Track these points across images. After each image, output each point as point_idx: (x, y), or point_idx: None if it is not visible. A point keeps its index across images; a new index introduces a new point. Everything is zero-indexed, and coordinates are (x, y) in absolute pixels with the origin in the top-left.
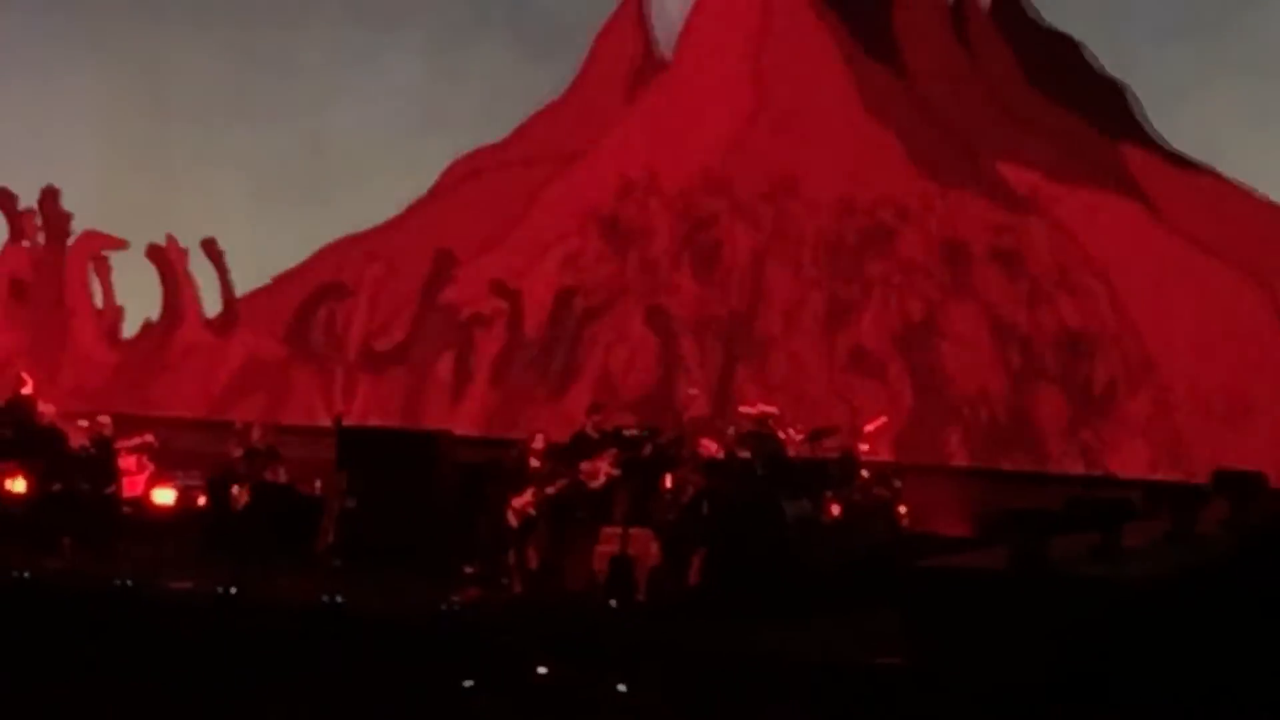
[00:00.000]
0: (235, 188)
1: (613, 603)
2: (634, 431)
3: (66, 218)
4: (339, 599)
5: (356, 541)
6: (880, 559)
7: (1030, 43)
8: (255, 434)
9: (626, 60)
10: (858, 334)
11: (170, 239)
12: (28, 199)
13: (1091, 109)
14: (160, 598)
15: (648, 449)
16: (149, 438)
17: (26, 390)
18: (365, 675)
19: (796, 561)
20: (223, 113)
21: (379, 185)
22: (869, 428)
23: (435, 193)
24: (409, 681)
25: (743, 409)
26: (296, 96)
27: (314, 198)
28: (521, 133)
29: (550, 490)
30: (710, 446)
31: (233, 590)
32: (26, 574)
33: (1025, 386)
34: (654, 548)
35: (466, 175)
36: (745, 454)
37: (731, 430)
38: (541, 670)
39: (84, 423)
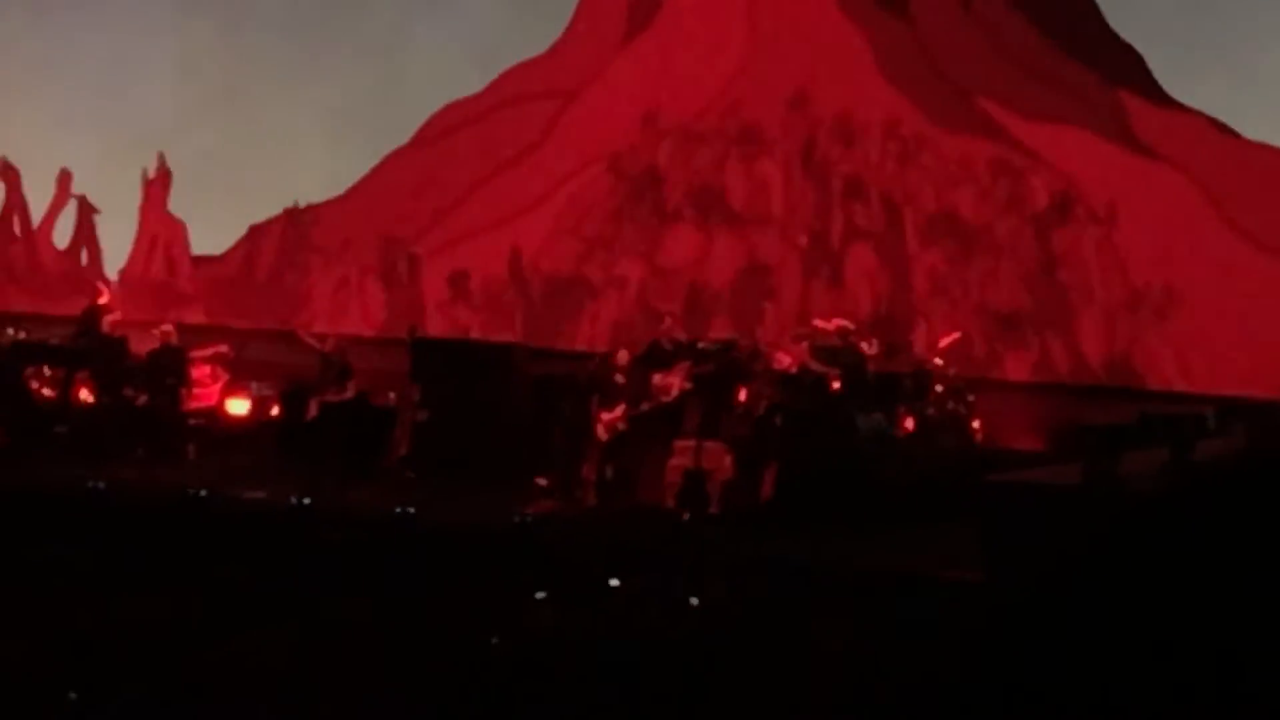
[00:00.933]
0: (311, 127)
1: (685, 515)
2: (709, 344)
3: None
4: (411, 510)
5: (429, 453)
6: (953, 473)
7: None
8: (330, 345)
9: (621, 5)
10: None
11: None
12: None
13: (1103, 69)
14: (234, 508)
15: (718, 363)
16: (223, 348)
17: (103, 300)
18: (437, 586)
19: (869, 475)
20: (299, 54)
21: None
22: (943, 342)
23: (420, 139)
24: (480, 593)
25: (818, 323)
26: (371, 37)
27: (390, 139)
28: (510, 76)
29: (642, 406)
30: (784, 360)
31: (306, 501)
32: (101, 484)
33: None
34: (727, 460)
35: (455, 123)
36: (820, 368)
37: (805, 344)
38: (614, 582)
39: (155, 332)
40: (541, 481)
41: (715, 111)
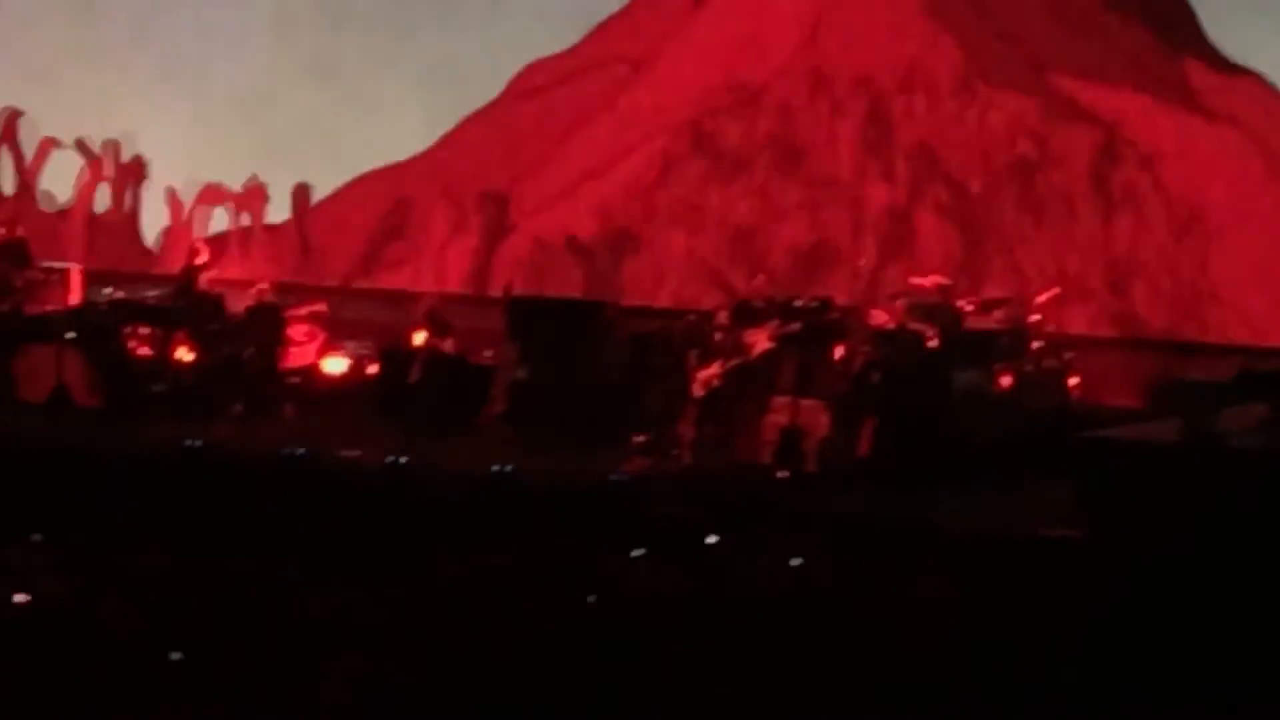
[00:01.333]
0: (406, 97)
1: (782, 474)
2: (804, 302)
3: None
4: (508, 468)
5: (526, 411)
6: (1051, 431)
7: None
8: (427, 303)
9: None
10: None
11: None
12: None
13: (1151, 20)
14: (331, 467)
15: (812, 320)
16: (320, 306)
17: (200, 260)
18: (534, 545)
19: (966, 433)
20: (393, 23)
21: None
22: (1041, 298)
23: (504, 99)
24: (577, 552)
25: (914, 280)
26: (465, 7)
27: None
28: (590, 41)
29: (737, 363)
30: (880, 316)
31: (403, 459)
32: (198, 443)
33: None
34: (823, 418)
35: (535, 85)
36: (917, 325)
37: (902, 301)
38: (711, 540)
39: (252, 290)
40: (638, 439)
41: (785, 74)
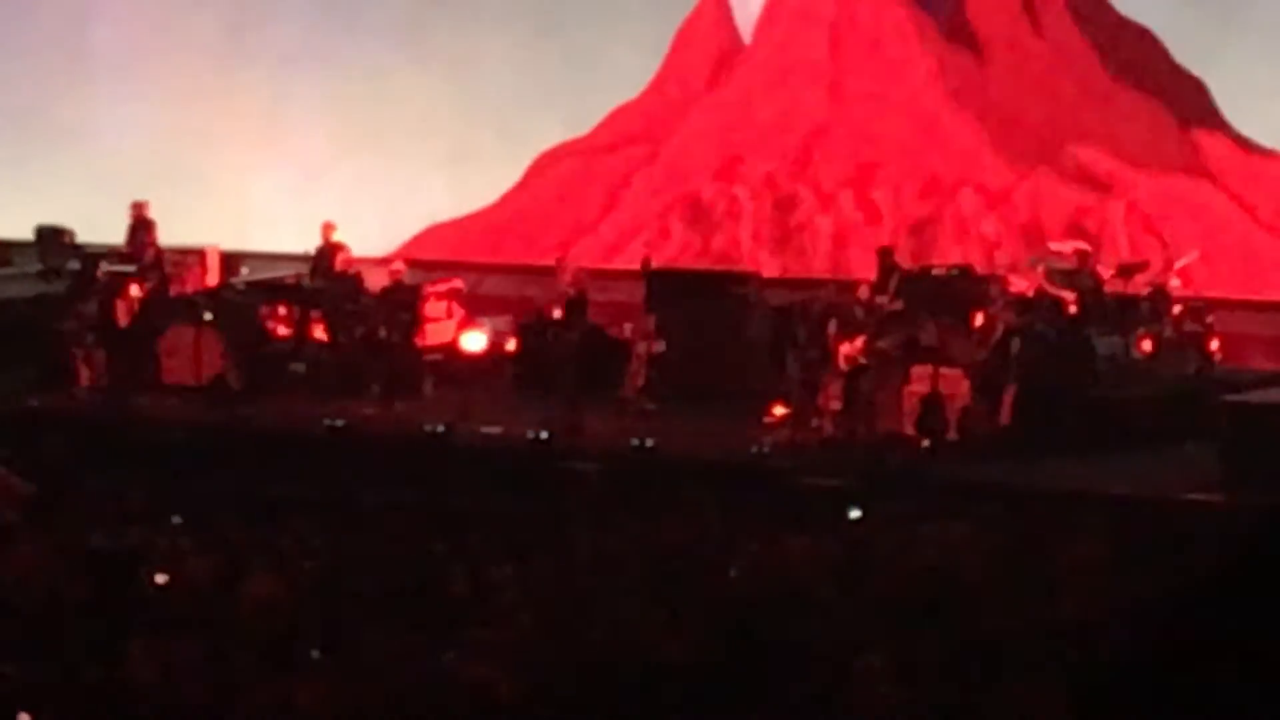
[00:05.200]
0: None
1: (925, 442)
2: (943, 269)
3: None
4: (649, 442)
5: (666, 384)
6: (1193, 395)
7: (1106, 31)
8: (567, 278)
9: (711, 49)
10: None
11: None
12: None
13: (1167, 98)
14: (471, 443)
15: (955, 287)
16: (457, 283)
17: (334, 238)
18: (676, 517)
19: (1108, 398)
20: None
21: None
22: (1180, 262)
23: (526, 181)
24: (719, 523)
25: (1053, 245)
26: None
27: None
28: (608, 123)
29: (882, 341)
30: (1020, 284)
31: (544, 435)
32: (339, 422)
33: None
34: (964, 386)
35: (554, 164)
36: (1056, 291)
37: (1041, 267)
38: (855, 514)
39: (387, 269)
40: (779, 411)
41: (792, 163)
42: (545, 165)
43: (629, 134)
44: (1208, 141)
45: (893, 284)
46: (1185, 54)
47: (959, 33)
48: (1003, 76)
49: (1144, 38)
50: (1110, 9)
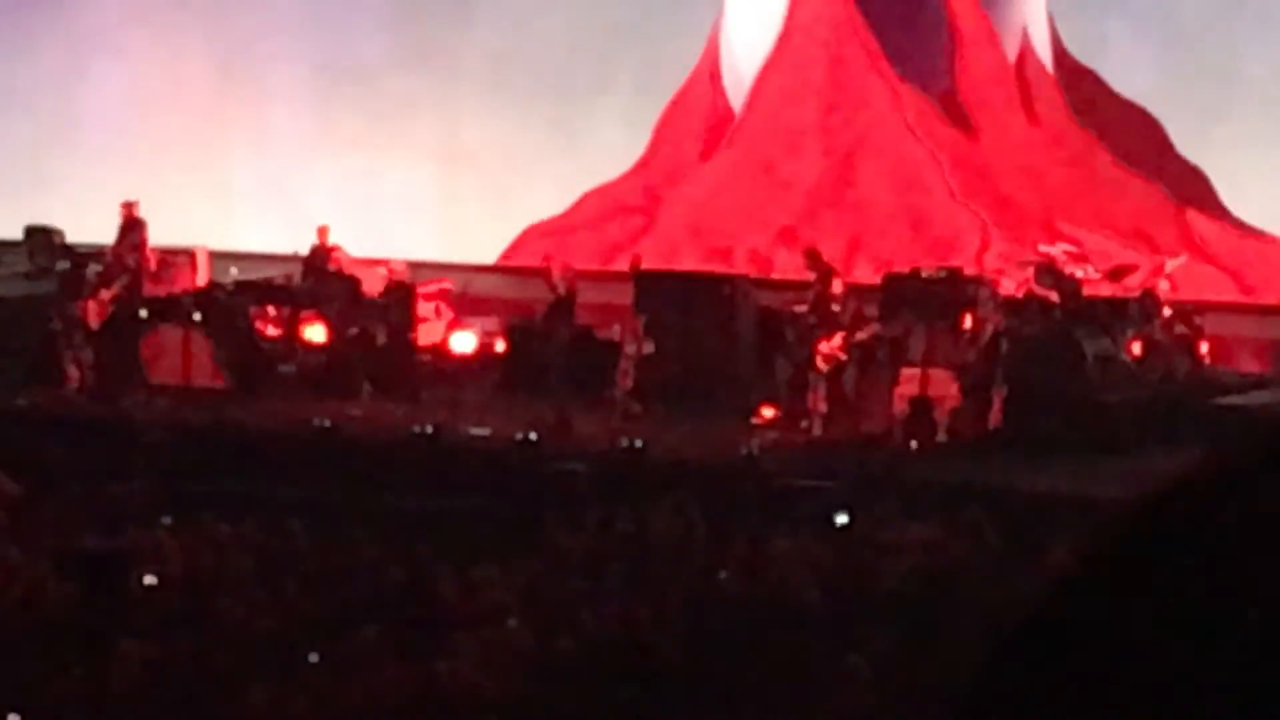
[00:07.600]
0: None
1: (913, 444)
2: (932, 271)
3: None
4: (638, 443)
5: (654, 385)
6: (1182, 397)
7: (1099, 109)
8: (555, 279)
9: (701, 120)
10: None
11: None
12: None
13: (1165, 179)
14: (460, 444)
15: (942, 289)
16: (447, 284)
17: (327, 239)
18: (663, 517)
19: (1097, 400)
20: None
21: None
22: (1169, 265)
23: (508, 255)
24: (708, 525)
25: (1042, 247)
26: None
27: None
28: (595, 195)
29: (860, 336)
30: (1008, 286)
31: (532, 436)
32: (328, 422)
33: None
34: (953, 388)
35: (540, 239)
36: (1045, 293)
37: (1031, 269)
38: (841, 519)
39: (380, 271)
40: (768, 412)
41: (780, 242)
42: (530, 240)
43: (618, 207)
44: (1206, 226)
45: (834, 287)
46: (1184, 140)
47: (951, 110)
48: (996, 155)
49: (1145, 120)
50: (1113, 93)
